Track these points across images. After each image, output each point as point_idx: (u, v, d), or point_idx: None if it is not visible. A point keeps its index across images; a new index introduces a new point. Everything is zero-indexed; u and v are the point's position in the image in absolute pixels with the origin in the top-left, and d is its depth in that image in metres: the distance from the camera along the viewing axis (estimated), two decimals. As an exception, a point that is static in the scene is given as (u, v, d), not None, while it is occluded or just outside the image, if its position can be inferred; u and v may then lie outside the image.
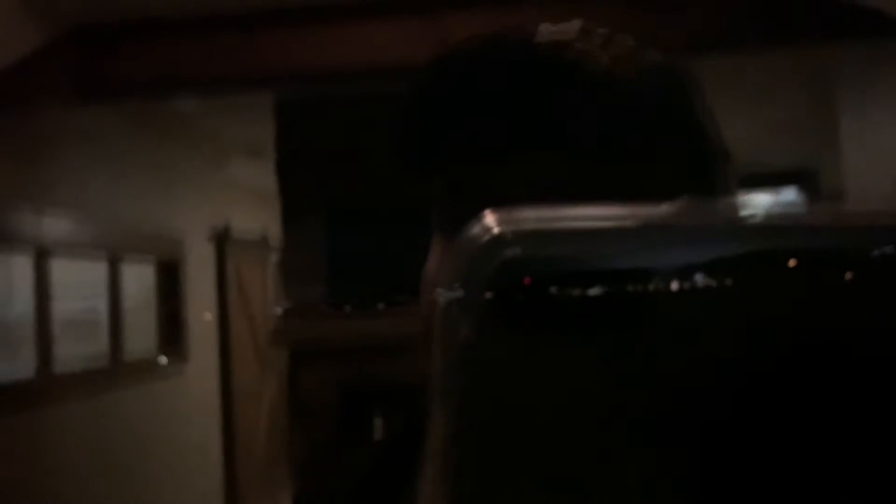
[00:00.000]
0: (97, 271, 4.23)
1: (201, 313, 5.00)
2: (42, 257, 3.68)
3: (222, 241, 4.91)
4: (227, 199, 5.33)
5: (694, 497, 0.26)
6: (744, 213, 0.29)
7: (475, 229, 0.27)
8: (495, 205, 0.29)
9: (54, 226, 3.77)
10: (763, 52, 3.38)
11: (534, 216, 0.28)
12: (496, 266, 0.26)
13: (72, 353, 3.93)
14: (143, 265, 4.65)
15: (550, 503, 0.26)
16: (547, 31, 0.52)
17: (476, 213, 0.28)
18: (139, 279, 4.62)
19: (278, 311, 5.18)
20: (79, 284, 4.15)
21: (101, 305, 4.24)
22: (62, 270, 3.83)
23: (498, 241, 0.27)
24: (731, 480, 0.25)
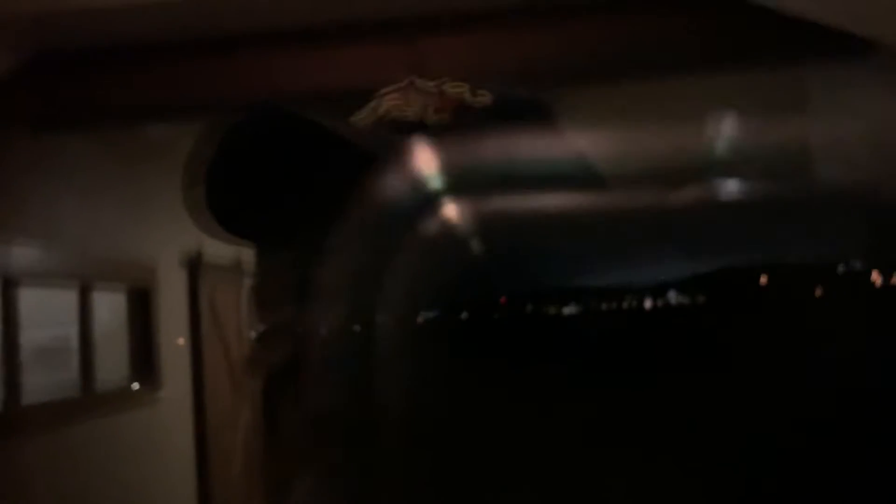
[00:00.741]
0: (67, 299, 4.17)
1: (174, 340, 4.94)
2: (9, 286, 3.62)
3: (195, 266, 4.86)
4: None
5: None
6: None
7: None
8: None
9: (22, 254, 3.71)
10: (731, 72, 3.45)
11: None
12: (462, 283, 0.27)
13: (41, 382, 3.86)
14: (115, 293, 4.58)
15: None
16: (378, 97, 0.55)
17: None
18: (111, 307, 4.56)
19: (252, 335, 5.14)
20: (48, 313, 4.08)
21: (72, 333, 4.18)
22: (31, 299, 3.77)
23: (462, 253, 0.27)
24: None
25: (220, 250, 5.24)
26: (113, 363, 4.49)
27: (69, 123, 3.90)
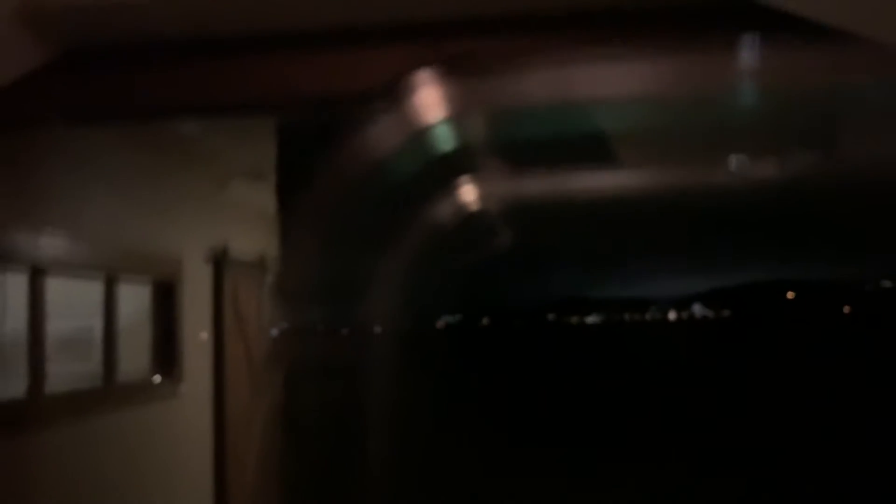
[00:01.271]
0: (93, 291, 4.21)
1: (197, 334, 4.98)
2: (37, 276, 3.67)
3: (220, 261, 4.90)
4: (226, 220, 5.33)
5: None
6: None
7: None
8: None
9: (50, 245, 3.76)
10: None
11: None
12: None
13: (65, 372, 3.90)
14: (140, 285, 4.63)
15: None
16: None
17: None
18: (135, 299, 4.60)
19: (274, 332, 5.15)
20: (74, 304, 4.13)
21: (97, 325, 4.22)
22: (57, 290, 3.81)
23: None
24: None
25: (245, 247, 5.29)
26: (135, 355, 4.53)
27: (100, 117, 3.95)
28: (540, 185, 3.95)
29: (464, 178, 3.71)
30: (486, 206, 3.80)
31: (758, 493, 6.66)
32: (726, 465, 8.20)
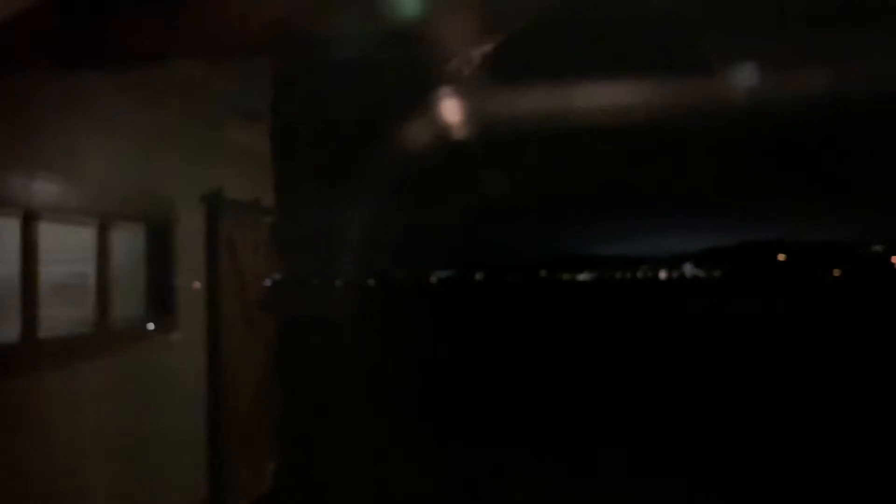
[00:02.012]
0: (86, 235, 4.19)
1: (191, 279, 4.98)
2: (30, 220, 3.65)
3: (214, 204, 4.86)
4: (222, 163, 5.28)
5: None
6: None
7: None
8: None
9: (43, 189, 3.73)
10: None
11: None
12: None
13: (58, 317, 3.91)
14: (134, 228, 4.62)
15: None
16: None
17: None
18: (129, 242, 4.59)
19: (269, 282, 5.16)
20: (67, 248, 4.12)
21: (90, 271, 4.21)
22: (51, 234, 3.80)
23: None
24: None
25: (241, 190, 5.26)
26: (130, 302, 4.54)
27: (93, 61, 3.89)
28: (532, 101, 3.69)
29: (447, 90, 3.51)
30: (472, 132, 3.64)
31: (738, 453, 6.81)
32: (714, 422, 8.37)
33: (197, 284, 4.98)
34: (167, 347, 4.76)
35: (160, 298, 4.79)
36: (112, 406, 4.15)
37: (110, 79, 4.09)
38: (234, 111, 5.06)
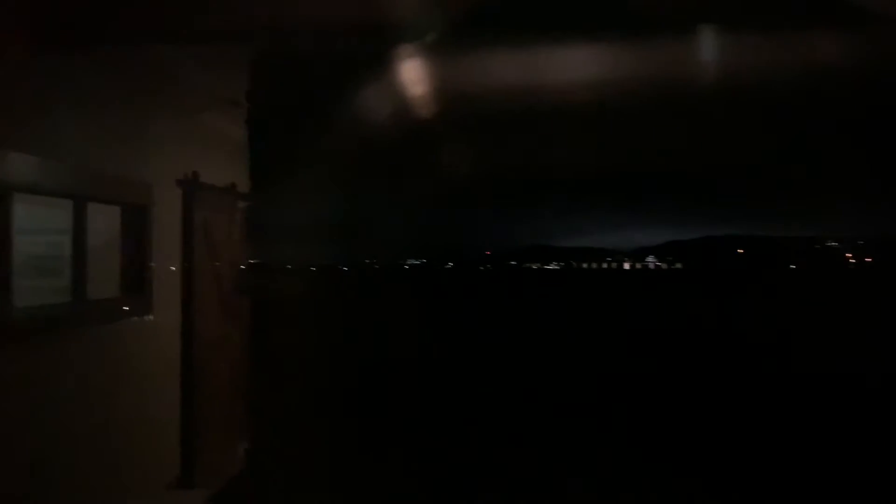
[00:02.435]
0: (62, 214, 4.20)
1: (167, 260, 5.00)
2: (4, 197, 3.64)
3: (190, 187, 4.88)
4: (199, 147, 5.29)
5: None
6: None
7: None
8: None
9: (19, 168, 3.73)
10: None
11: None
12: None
13: (33, 293, 3.92)
14: (110, 210, 4.63)
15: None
16: None
17: None
18: (105, 223, 4.59)
19: (243, 266, 5.20)
20: (43, 226, 4.12)
21: (66, 249, 4.22)
22: (27, 212, 3.80)
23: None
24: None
25: (217, 175, 5.28)
26: (105, 281, 4.55)
27: (72, 39, 3.89)
28: (499, 70, 3.57)
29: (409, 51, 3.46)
30: (443, 114, 3.61)
31: (692, 440, 7.03)
32: (664, 407, 8.60)
33: (173, 268, 5.01)
34: (142, 324, 4.78)
35: (135, 281, 4.80)
36: (85, 382, 4.17)
37: (90, 60, 4.08)
38: (212, 96, 5.08)
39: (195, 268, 4.81)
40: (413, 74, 3.59)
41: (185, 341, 4.78)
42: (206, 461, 4.77)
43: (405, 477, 5.00)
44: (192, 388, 4.75)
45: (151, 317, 4.88)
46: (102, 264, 4.58)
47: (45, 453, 3.78)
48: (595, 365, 12.20)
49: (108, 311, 4.54)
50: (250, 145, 4.75)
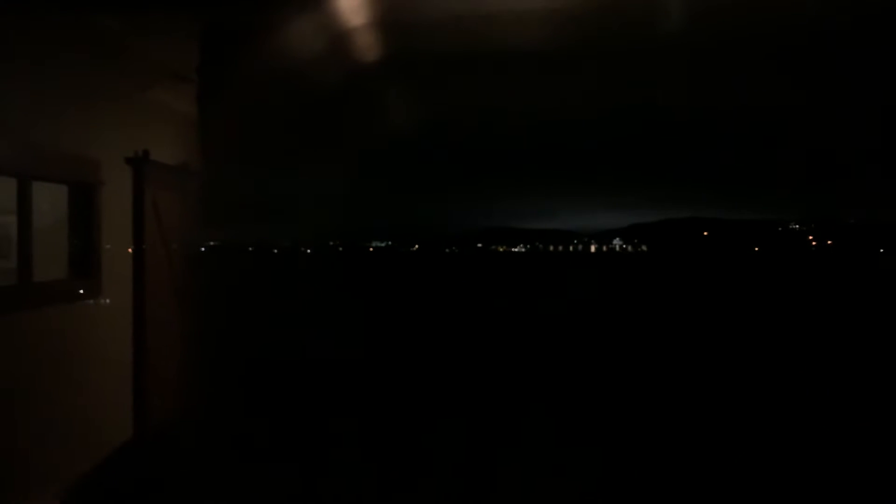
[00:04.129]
0: (6, 192, 4.04)
1: (116, 242, 4.84)
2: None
3: (140, 164, 4.70)
4: (149, 124, 5.10)
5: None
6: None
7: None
8: None
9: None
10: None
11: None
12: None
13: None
14: (58, 187, 4.46)
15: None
16: None
17: None
18: (53, 201, 4.43)
19: (197, 246, 5.05)
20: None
21: (11, 227, 4.07)
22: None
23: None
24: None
25: (168, 152, 5.10)
26: (53, 259, 4.40)
27: (15, 9, 3.70)
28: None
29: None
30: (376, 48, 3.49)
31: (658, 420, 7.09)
32: (631, 385, 8.67)
33: (124, 244, 4.84)
34: (93, 306, 4.64)
35: (84, 262, 4.65)
36: (35, 360, 4.05)
37: (35, 30, 3.88)
38: (162, 72, 4.88)
39: (145, 248, 4.64)
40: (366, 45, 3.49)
41: (136, 323, 4.62)
42: (154, 426, 4.64)
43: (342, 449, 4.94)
44: (142, 367, 4.61)
45: (102, 299, 4.73)
46: (50, 246, 4.41)
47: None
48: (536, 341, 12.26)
49: (55, 294, 4.38)
50: (202, 123, 4.59)
